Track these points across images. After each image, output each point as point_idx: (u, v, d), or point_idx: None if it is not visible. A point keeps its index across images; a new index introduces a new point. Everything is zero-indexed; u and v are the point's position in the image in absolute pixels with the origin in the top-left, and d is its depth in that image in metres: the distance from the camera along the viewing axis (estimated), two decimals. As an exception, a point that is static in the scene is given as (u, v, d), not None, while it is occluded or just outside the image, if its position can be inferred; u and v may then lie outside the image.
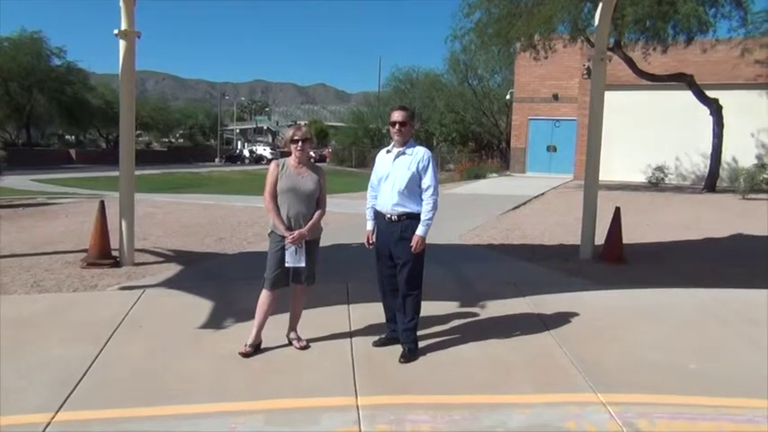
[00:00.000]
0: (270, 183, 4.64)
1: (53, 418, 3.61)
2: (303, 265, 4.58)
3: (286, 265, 4.56)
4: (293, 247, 4.53)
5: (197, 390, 4.05)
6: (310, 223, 4.61)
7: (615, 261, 8.33)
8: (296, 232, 4.54)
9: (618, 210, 8.57)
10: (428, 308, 5.08)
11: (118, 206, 7.84)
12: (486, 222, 12.45)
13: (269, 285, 4.65)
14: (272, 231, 4.68)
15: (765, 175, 20.83)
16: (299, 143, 4.62)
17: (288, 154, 4.74)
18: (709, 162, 21.60)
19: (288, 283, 4.70)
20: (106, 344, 4.80)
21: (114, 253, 7.67)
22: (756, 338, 5.20)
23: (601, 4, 8.57)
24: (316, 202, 4.69)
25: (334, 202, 13.92)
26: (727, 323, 5.70)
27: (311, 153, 5.22)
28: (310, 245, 4.65)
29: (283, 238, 4.55)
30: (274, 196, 4.63)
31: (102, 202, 7.74)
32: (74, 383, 4.05)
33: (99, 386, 4.08)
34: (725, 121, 20.83)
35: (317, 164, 5.17)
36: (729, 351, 4.96)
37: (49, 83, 42.90)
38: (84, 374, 4.21)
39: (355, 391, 4.05)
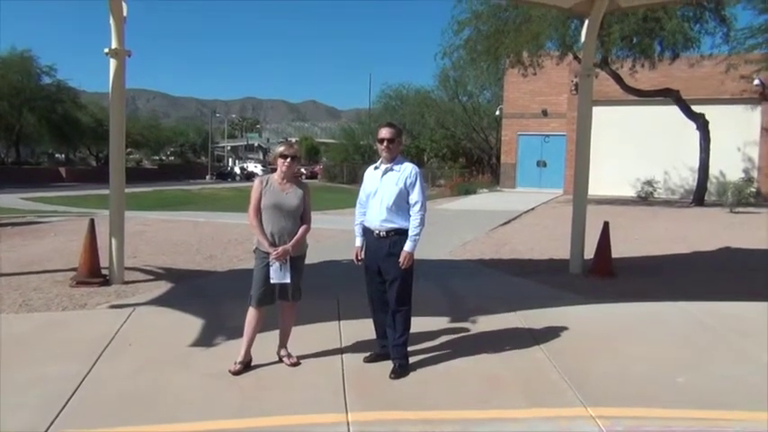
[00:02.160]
0: (254, 199, 4.65)
1: (41, 438, 3.58)
2: (288, 281, 4.57)
3: (271, 281, 4.55)
4: (278, 264, 4.52)
5: (187, 408, 4.04)
6: (295, 239, 4.61)
7: (605, 275, 8.37)
8: (280, 248, 4.54)
9: (606, 224, 8.62)
10: (418, 323, 5.09)
11: (108, 224, 7.82)
12: (476, 237, 12.49)
13: (255, 303, 4.65)
14: (256, 248, 4.68)
15: (752, 189, 21.05)
16: (288, 159, 4.63)
17: (277, 170, 4.76)
18: (697, 176, 21.82)
19: (274, 300, 4.68)
20: (95, 363, 4.77)
21: (104, 271, 7.63)
22: (745, 351, 5.25)
23: (587, 21, 8.70)
24: (300, 217, 4.71)
25: (324, 219, 14.01)
26: (717, 335, 5.74)
27: (302, 170, 5.24)
28: (296, 261, 4.64)
29: (268, 254, 4.55)
30: (258, 212, 4.64)
31: (92, 221, 7.71)
32: (63, 402, 4.02)
33: (88, 405, 4.05)
34: (712, 135, 21.09)
35: (304, 180, 5.18)
36: (718, 363, 4.99)
37: (39, 101, 42.81)
38: (74, 393, 4.18)
39: (346, 407, 4.04)
